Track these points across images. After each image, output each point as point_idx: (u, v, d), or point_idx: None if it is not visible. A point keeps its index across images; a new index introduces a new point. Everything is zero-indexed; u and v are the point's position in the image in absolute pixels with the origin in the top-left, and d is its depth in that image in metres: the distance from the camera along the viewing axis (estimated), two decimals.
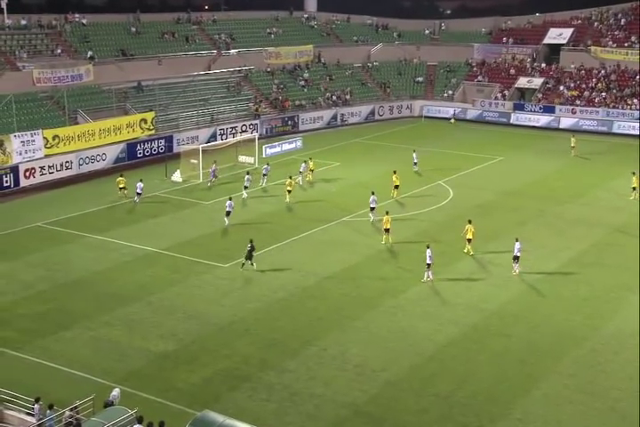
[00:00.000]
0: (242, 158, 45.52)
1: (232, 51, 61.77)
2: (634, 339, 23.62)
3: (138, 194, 38.56)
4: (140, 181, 39.00)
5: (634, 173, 39.57)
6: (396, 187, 39.16)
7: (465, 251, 31.25)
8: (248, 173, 40.53)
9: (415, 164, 45.25)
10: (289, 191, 38.92)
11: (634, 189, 39.14)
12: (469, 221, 31.37)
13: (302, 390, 20.73)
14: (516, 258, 28.93)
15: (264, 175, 42.45)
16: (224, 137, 51.82)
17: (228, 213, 34.78)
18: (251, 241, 29.36)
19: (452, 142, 54.98)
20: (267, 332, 24.28)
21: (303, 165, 43.30)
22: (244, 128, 53.95)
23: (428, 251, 28.12)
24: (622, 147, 51.94)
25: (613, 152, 50.79)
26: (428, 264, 28.17)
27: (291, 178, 39.68)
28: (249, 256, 29.10)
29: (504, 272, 29.43)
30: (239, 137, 50.18)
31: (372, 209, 35.51)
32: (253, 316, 25.47)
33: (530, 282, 28.48)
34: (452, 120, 62.80)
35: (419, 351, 22.97)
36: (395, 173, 39.61)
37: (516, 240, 29.01)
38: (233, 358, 22.48)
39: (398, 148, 53.15)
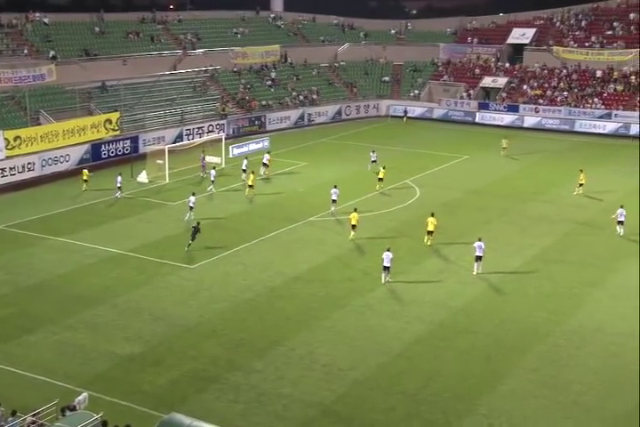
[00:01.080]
0: (209, 159, 45.26)
1: (198, 50, 61.36)
2: (596, 334, 24.02)
3: (118, 188, 38.70)
4: (120, 175, 38.96)
5: (581, 171, 40.27)
6: (380, 180, 40.66)
7: (425, 242, 31.90)
8: (214, 168, 41.37)
9: (374, 161, 45.29)
10: (250, 186, 39.30)
11: (580, 185, 39.82)
12: (432, 214, 31.94)
13: (270, 390, 20.68)
14: (478, 258, 29.08)
15: (264, 164, 43.60)
16: (190, 137, 51.45)
17: (190, 209, 35.11)
18: (198, 223, 30.80)
19: (418, 142, 55.33)
20: (234, 332, 24.18)
21: (266, 155, 44.20)
22: (210, 128, 53.62)
23: (388, 253, 28.04)
24: (584, 145, 52.79)
25: (575, 150, 51.57)
26: (386, 267, 28.01)
27: (253, 173, 40.08)
28: (193, 237, 30.46)
29: (471, 269, 29.69)
30: (206, 137, 49.91)
31: (334, 202, 36.43)
32: (220, 316, 25.35)
33: (495, 279, 28.78)
34: (405, 119, 62.80)
35: (386, 350, 23.06)
36: (384, 168, 40.85)
37: (479, 240, 29.22)
38: (200, 359, 22.34)
39: (365, 147, 53.26)
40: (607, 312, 25.76)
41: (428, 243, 31.93)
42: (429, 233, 31.88)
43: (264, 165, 43.51)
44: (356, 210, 33.28)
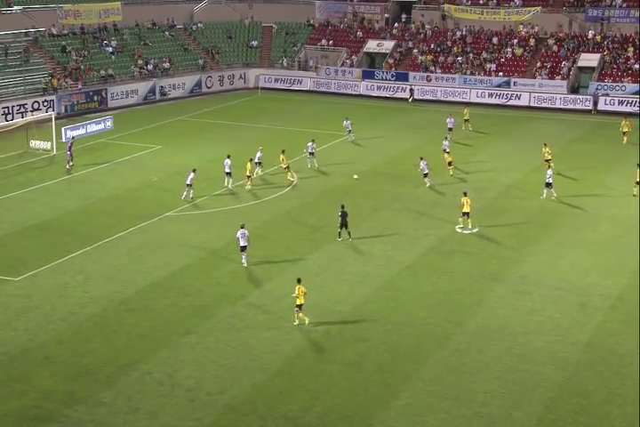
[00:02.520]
0: (35, 144, 43.62)
1: (15, 7, 58.68)
2: (500, 334, 25.18)
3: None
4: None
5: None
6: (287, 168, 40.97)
7: (462, 225, 34.21)
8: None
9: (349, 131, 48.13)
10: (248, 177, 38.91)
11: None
12: (465, 194, 34.23)
13: (122, 425, 20.23)
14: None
15: (311, 154, 43.27)
16: (10, 117, 49.40)
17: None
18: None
19: (294, 118, 55.83)
20: (74, 358, 23.51)
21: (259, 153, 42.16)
22: (36, 106, 51.76)
23: (244, 231, 29.61)
24: (480, 118, 55.05)
25: (471, 124, 53.55)
26: (243, 247, 29.80)
27: (251, 161, 39.51)
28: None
29: (359, 267, 30.31)
30: (30, 117, 48.09)
31: (189, 186, 37.12)
32: (56, 339, 24.57)
33: (387, 277, 29.54)
34: (410, 99, 61.51)
35: (263, 367, 23.15)
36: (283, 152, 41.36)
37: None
38: (29, 394, 21.54)
39: (232, 126, 53.12)
40: (511, 308, 27.06)
41: (470, 225, 33.87)
42: (465, 214, 33.90)
43: (258, 164, 41.21)
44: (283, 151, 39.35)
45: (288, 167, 40.71)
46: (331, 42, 69.07)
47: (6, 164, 42.30)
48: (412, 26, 69.41)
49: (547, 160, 41.65)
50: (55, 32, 60.15)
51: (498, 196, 39.08)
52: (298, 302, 25.34)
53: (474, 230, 33.98)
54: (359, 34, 69.35)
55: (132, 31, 64.85)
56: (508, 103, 60.81)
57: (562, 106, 59.75)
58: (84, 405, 21.05)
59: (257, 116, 56.26)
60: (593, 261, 31.19)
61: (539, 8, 65.41)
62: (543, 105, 60.07)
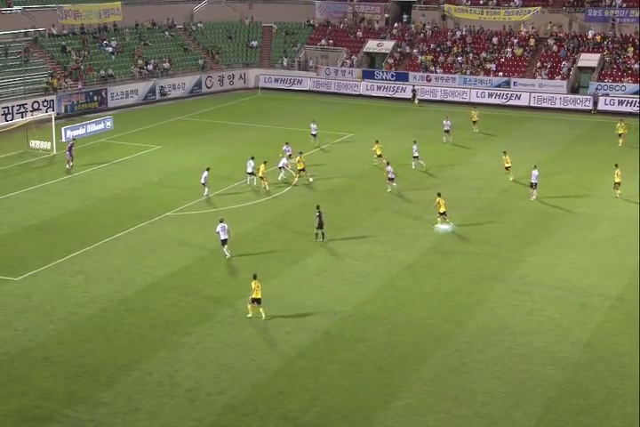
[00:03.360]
0: (34, 144, 43.62)
1: (15, 7, 58.67)
2: (499, 334, 25.19)
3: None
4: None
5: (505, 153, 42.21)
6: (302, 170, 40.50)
7: (439, 223, 34.23)
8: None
9: (314, 135, 47.20)
10: (261, 178, 38.93)
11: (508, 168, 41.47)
12: (439, 194, 34.24)
13: (122, 425, 20.22)
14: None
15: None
16: (10, 117, 49.39)
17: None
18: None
19: (294, 118, 55.76)
20: (74, 358, 23.49)
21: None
22: (36, 106, 51.78)
23: (223, 225, 30.20)
24: (481, 118, 54.93)
25: (478, 126, 53.50)
26: (224, 240, 30.49)
27: (265, 163, 39.15)
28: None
29: (359, 267, 30.32)
30: (30, 117, 48.08)
31: (204, 184, 37.41)
32: (56, 339, 24.56)
33: (387, 277, 29.54)
34: (415, 100, 61.23)
35: (263, 367, 23.14)
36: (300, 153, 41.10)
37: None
38: (29, 394, 21.54)
39: (232, 126, 53.12)
40: (510, 308, 27.07)
41: (447, 223, 34.09)
42: (442, 214, 33.90)
43: (250, 174, 39.72)
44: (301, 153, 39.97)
45: (303, 169, 40.04)
46: (331, 42, 69.06)
47: (6, 164, 42.31)
48: (412, 26, 69.39)
49: (507, 168, 41.04)
50: (55, 32, 60.15)
51: (498, 196, 39.07)
52: (254, 296, 25.74)
53: (452, 228, 33.98)
54: (359, 34, 69.35)
55: (131, 31, 64.83)
56: (507, 103, 60.82)
57: (562, 106, 59.76)
58: (84, 405, 21.06)
59: (257, 116, 56.26)
60: (593, 261, 31.19)
61: (539, 8, 65.41)
62: (543, 105, 60.07)
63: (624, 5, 64.91)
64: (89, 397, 21.43)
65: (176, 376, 22.52)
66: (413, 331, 25.44)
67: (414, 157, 43.06)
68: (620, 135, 48.45)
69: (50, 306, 26.80)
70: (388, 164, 39.24)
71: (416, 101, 61.36)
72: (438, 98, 62.15)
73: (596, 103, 58.72)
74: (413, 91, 61.99)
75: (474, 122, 51.60)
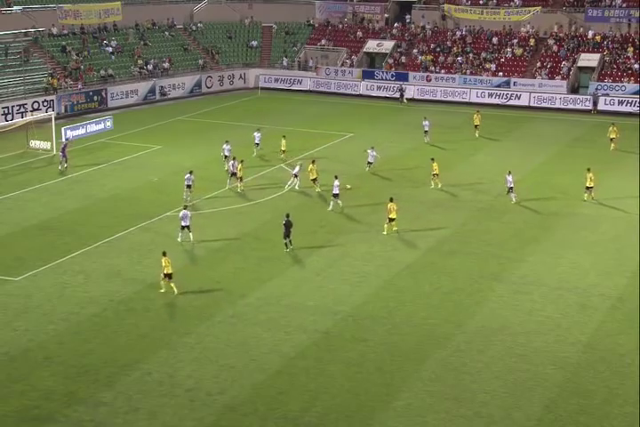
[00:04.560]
0: (34, 144, 43.61)
1: (15, 7, 58.66)
2: (500, 334, 25.18)
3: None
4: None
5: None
6: (314, 180, 38.62)
7: (387, 231, 33.47)
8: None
9: (257, 144, 45.27)
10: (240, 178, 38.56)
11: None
12: (391, 199, 33.18)
13: (122, 425, 20.21)
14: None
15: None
16: (10, 117, 49.38)
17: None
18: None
19: (295, 118, 55.79)
20: (74, 358, 23.49)
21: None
22: (36, 105, 51.77)
23: (186, 212, 31.45)
24: (481, 118, 54.86)
25: (472, 125, 53.49)
26: (184, 226, 31.74)
27: (242, 162, 38.86)
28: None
29: (359, 267, 30.31)
30: (30, 117, 48.05)
31: (189, 187, 36.82)
32: (56, 339, 24.55)
33: (387, 277, 29.53)
34: (403, 99, 61.01)
35: (263, 367, 23.14)
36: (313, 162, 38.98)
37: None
38: (29, 394, 21.53)
39: (232, 126, 53.10)
40: (511, 308, 27.06)
41: (395, 228, 33.40)
42: (391, 221, 33.11)
43: (232, 175, 38.94)
44: (313, 161, 38.55)
45: (315, 179, 38.45)
46: (331, 42, 69.06)
47: (6, 164, 42.30)
48: (413, 26, 69.38)
49: (434, 174, 39.99)
50: (55, 32, 60.15)
51: (498, 196, 39.06)
52: (165, 272, 27.36)
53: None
54: (359, 34, 69.34)
55: (133, 31, 64.79)
56: (507, 103, 60.81)
57: (562, 106, 59.74)
58: (84, 405, 21.06)
59: (257, 116, 56.23)
60: (593, 261, 31.19)
61: (539, 8, 65.40)
62: (543, 105, 60.05)
63: (624, 5, 64.89)
64: (89, 397, 21.43)
65: (176, 376, 22.52)
66: (413, 331, 25.43)
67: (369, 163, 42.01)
68: (611, 140, 47.29)
69: (50, 306, 26.79)
70: (336, 177, 36.47)
71: (404, 101, 61.09)
72: (438, 98, 62.12)
73: (595, 103, 58.71)
74: (400, 90, 61.89)
75: (476, 126, 50.71)
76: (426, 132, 48.90)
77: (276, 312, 26.63)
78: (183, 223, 31.91)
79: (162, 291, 27.62)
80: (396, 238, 33.21)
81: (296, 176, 39.31)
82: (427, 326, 25.78)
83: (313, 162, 39.31)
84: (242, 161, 39.00)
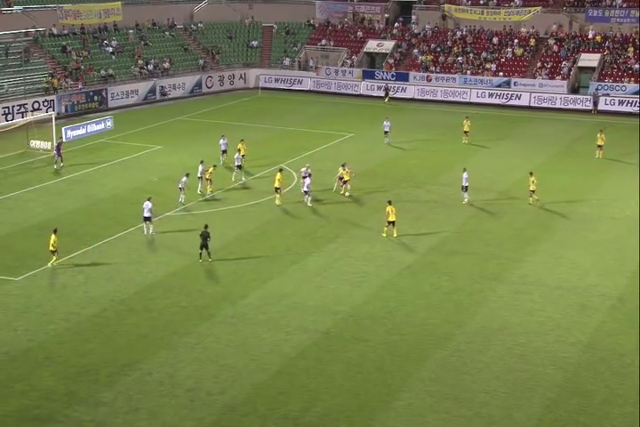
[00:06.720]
0: (35, 144, 43.60)
1: (15, 7, 58.66)
2: (500, 334, 25.19)
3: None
4: None
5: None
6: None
7: (386, 234, 32.99)
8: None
9: (224, 152, 43.16)
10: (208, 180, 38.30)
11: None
12: (389, 202, 32.91)
13: (122, 425, 20.22)
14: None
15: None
16: (10, 117, 49.37)
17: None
18: (206, 226, 30.58)
19: (294, 118, 55.79)
20: (74, 358, 23.50)
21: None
22: (36, 105, 51.77)
23: (148, 203, 31.93)
24: (480, 118, 55.00)
25: (472, 125, 53.47)
26: (146, 217, 32.47)
27: (215, 167, 38.87)
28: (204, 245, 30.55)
29: (360, 267, 30.32)
30: (30, 117, 48.03)
31: (181, 189, 36.65)
32: (56, 339, 24.56)
33: (387, 277, 29.54)
34: (387, 99, 60.54)
35: (263, 367, 23.15)
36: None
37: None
38: (30, 394, 21.55)
39: (232, 126, 53.10)
40: (510, 309, 27.06)
41: (395, 235, 32.78)
42: (391, 223, 32.70)
43: (200, 179, 38.09)
44: (281, 170, 37.05)
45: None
46: (331, 42, 69.06)
47: (6, 164, 42.30)
48: (413, 26, 69.39)
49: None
50: (55, 32, 60.16)
51: (498, 196, 39.07)
52: (51, 249, 29.28)
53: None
54: (359, 34, 69.34)
55: (132, 31, 64.81)
56: (508, 103, 60.80)
57: (562, 106, 59.73)
58: (84, 405, 21.06)
59: (257, 116, 56.24)
60: (593, 261, 31.19)
61: (539, 8, 65.38)
62: (543, 105, 60.04)
63: (624, 5, 64.87)
64: (89, 397, 21.44)
65: (176, 376, 22.52)
66: (413, 331, 25.43)
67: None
68: (599, 146, 45.43)
69: (50, 306, 26.80)
70: (303, 177, 36.49)
71: (386, 100, 60.71)
72: (439, 98, 62.12)
73: (596, 103, 58.69)
74: (386, 89, 61.70)
75: (465, 132, 48.77)
76: (386, 132, 48.36)
77: (276, 312, 26.63)
78: (145, 214, 32.39)
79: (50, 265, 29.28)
80: (397, 239, 33.21)
81: (304, 177, 37.98)
82: (427, 326, 25.78)
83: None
84: (214, 166, 38.74)
